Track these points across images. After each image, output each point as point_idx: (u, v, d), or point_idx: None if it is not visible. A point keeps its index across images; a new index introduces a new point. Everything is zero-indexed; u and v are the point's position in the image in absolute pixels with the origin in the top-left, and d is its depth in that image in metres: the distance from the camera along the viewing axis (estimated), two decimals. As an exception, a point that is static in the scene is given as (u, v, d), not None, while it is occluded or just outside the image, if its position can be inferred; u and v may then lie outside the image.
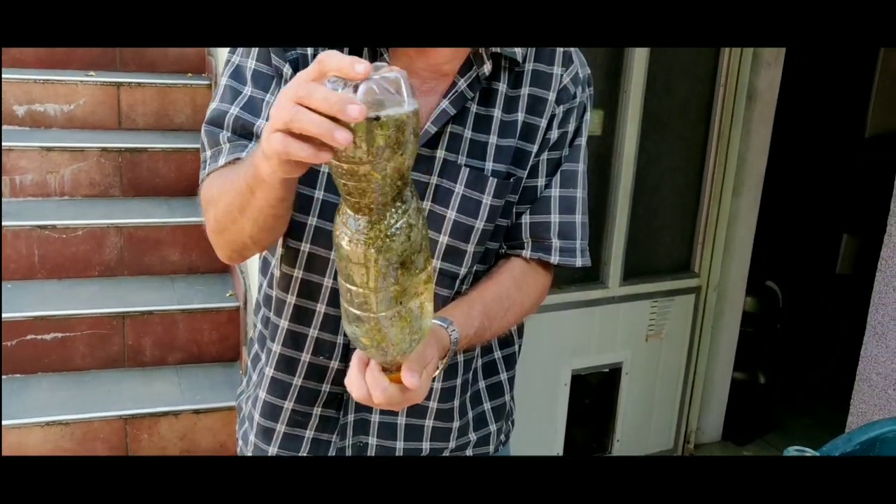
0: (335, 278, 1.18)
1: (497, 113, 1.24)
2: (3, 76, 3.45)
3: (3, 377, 2.79)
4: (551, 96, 1.27)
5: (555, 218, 1.31)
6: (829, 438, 1.59)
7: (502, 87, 1.24)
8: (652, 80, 2.89)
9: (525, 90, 1.25)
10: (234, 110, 1.19)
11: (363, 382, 1.02)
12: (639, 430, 3.26)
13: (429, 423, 1.35)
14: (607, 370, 3.10)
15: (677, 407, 3.35)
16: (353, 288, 0.93)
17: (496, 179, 1.24)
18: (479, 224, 1.25)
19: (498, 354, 1.42)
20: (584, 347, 3.00)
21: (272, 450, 1.36)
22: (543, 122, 1.27)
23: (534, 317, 2.99)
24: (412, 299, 0.95)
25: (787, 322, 3.90)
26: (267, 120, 1.12)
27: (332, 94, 0.82)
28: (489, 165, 1.24)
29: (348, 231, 0.90)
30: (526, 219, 1.30)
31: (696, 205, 3.20)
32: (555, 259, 1.31)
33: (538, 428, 2.96)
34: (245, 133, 1.18)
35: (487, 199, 1.24)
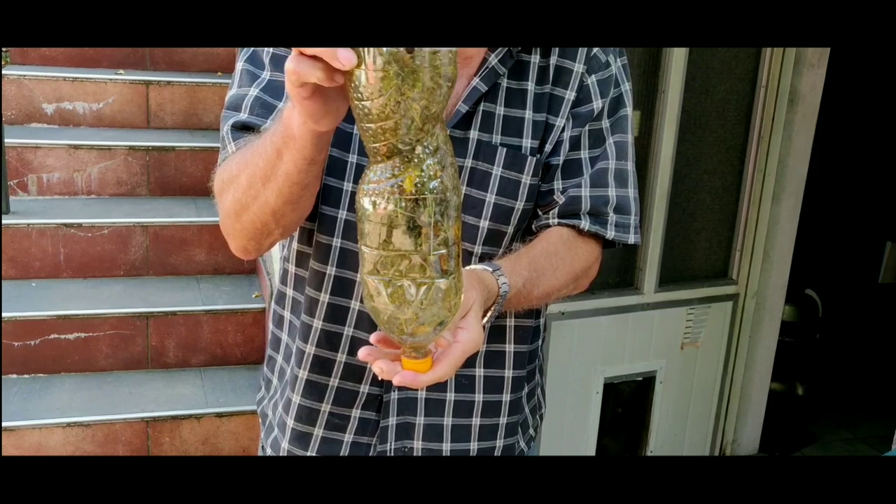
0: None
1: (530, 86, 1.19)
2: (33, 73, 3.47)
3: (26, 377, 2.78)
4: (579, 67, 1.20)
5: (612, 192, 1.24)
6: (869, 453, 1.50)
7: (534, 57, 1.19)
8: (690, 80, 2.80)
9: (553, 59, 1.19)
10: (255, 92, 1.14)
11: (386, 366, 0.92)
12: (672, 442, 3.17)
13: (476, 421, 1.29)
14: (641, 379, 3.02)
15: (713, 418, 3.25)
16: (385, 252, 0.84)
17: (534, 158, 1.19)
18: (520, 205, 1.20)
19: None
20: (617, 355, 2.91)
21: (310, 454, 1.31)
22: (570, 95, 1.20)
23: (566, 322, 2.90)
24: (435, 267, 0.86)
25: (826, 332, 3.79)
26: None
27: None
28: (526, 143, 1.19)
29: (369, 185, 0.82)
30: (585, 192, 1.22)
31: (734, 209, 3.10)
32: (610, 234, 1.24)
33: (569, 437, 2.88)
34: (267, 114, 1.12)
35: (527, 179, 1.19)
